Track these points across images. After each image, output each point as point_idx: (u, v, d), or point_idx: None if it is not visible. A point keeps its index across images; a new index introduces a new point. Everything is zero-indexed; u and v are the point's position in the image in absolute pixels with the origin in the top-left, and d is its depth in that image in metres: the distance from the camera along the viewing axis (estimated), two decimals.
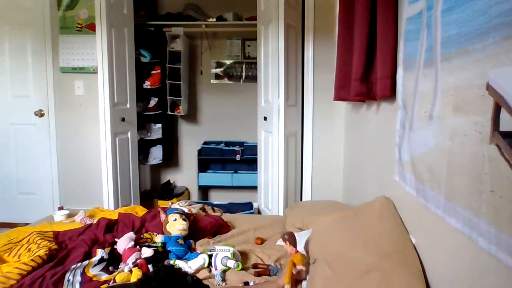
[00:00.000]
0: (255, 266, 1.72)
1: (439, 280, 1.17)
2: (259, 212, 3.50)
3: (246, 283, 1.53)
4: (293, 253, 1.56)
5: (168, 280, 0.90)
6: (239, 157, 3.87)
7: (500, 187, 0.78)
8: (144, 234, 2.02)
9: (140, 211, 2.45)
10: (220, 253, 1.70)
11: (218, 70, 4.15)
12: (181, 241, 1.87)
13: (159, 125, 3.96)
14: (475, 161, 0.88)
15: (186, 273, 0.96)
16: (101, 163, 3.13)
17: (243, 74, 4.12)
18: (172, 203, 2.56)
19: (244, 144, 3.96)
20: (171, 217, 2.00)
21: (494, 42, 0.81)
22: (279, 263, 1.75)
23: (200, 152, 3.99)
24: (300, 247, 1.82)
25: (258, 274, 1.63)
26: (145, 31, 3.80)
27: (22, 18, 3.52)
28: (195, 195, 4.15)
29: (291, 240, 1.58)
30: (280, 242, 1.88)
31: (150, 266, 1.67)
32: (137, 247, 1.81)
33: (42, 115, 3.58)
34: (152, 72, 3.84)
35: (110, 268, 1.68)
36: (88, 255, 1.76)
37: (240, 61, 4.09)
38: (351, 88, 2.01)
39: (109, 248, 1.79)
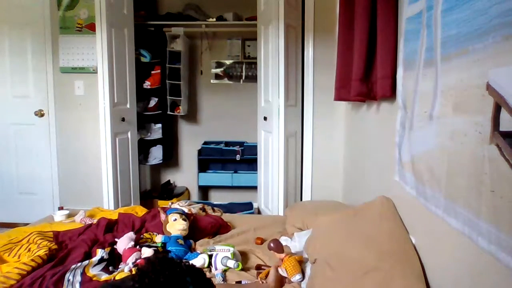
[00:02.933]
0: (258, 267, 1.71)
1: (439, 280, 1.17)
2: (259, 212, 3.50)
3: (239, 282, 1.53)
4: (283, 257, 1.57)
5: (166, 270, 0.90)
6: (239, 157, 3.87)
7: (500, 187, 0.78)
8: (144, 234, 2.02)
9: (140, 211, 2.45)
10: (220, 253, 1.70)
11: (218, 70, 4.15)
12: (181, 241, 1.87)
13: (159, 125, 3.96)
14: (475, 161, 0.88)
15: (180, 260, 0.96)
16: (101, 163, 3.13)
17: (243, 74, 4.12)
18: (172, 203, 2.56)
19: (244, 144, 3.96)
20: (171, 217, 2.00)
21: (494, 42, 0.81)
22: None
23: (200, 152, 3.99)
24: (300, 247, 1.82)
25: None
26: (145, 31, 3.80)
27: (22, 18, 3.52)
28: (195, 195, 4.15)
29: (276, 247, 1.60)
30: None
31: None
32: (137, 247, 1.81)
33: (42, 115, 3.58)
34: (152, 72, 3.84)
35: (110, 268, 1.68)
36: (88, 255, 1.76)
37: (240, 61, 4.09)
38: (351, 88, 2.01)
39: (109, 248, 1.79)
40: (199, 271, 0.98)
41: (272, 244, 1.60)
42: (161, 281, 0.88)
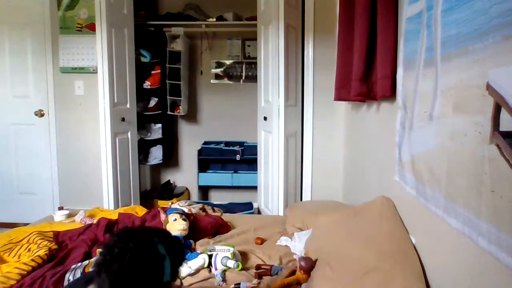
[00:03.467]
0: (258, 267, 1.71)
1: (439, 280, 1.17)
2: (259, 212, 3.50)
3: (238, 285, 1.52)
4: (301, 273, 1.50)
5: (133, 236, 0.92)
6: (239, 157, 3.87)
7: (500, 187, 0.78)
8: None
9: (140, 211, 2.45)
10: (220, 253, 1.70)
11: (218, 70, 4.15)
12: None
13: (159, 125, 3.96)
14: (475, 161, 0.88)
15: (143, 226, 0.99)
16: (101, 163, 3.13)
17: (243, 74, 4.12)
18: (172, 203, 2.56)
19: (244, 144, 3.96)
20: (171, 217, 2.00)
21: (494, 42, 0.81)
22: (280, 262, 1.75)
23: (200, 152, 3.99)
24: (300, 247, 1.82)
25: (259, 275, 1.62)
26: (145, 31, 3.80)
27: (22, 18, 3.52)
28: (195, 195, 4.15)
29: (306, 268, 1.51)
30: (296, 257, 1.80)
31: None
32: None
33: (42, 115, 3.58)
34: (152, 72, 3.84)
35: None
36: (88, 255, 1.76)
37: (240, 61, 4.09)
38: (352, 88, 2.01)
39: None
40: (163, 231, 1.00)
41: (303, 263, 1.51)
42: (131, 246, 0.89)
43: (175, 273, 0.98)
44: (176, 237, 1.01)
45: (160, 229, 1.00)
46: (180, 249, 1.05)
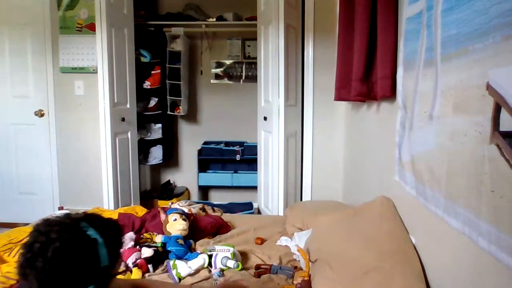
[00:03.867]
0: (257, 267, 1.71)
1: (439, 280, 1.17)
2: (259, 212, 3.50)
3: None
4: None
5: (55, 226, 0.85)
6: (239, 157, 3.87)
7: (500, 187, 0.78)
8: (144, 234, 2.02)
9: (140, 211, 2.45)
10: (220, 253, 1.70)
11: (218, 70, 4.14)
12: (181, 241, 1.87)
13: (159, 125, 3.96)
14: (475, 161, 0.88)
15: (67, 213, 0.93)
16: (101, 163, 3.13)
17: (243, 74, 4.12)
18: (172, 203, 2.56)
19: (244, 144, 3.96)
20: (171, 217, 2.00)
21: (494, 42, 0.81)
22: (280, 262, 1.75)
23: (200, 152, 3.99)
24: (301, 247, 1.82)
25: (259, 275, 1.63)
26: (145, 31, 3.80)
27: (22, 18, 3.52)
28: (195, 195, 4.15)
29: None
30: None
31: (150, 266, 1.68)
32: (137, 247, 1.81)
33: (42, 115, 3.58)
34: (152, 72, 3.84)
35: None
36: None
37: (240, 61, 4.09)
38: (352, 88, 2.01)
39: None
40: (93, 214, 0.93)
41: (299, 286, 1.53)
42: (54, 238, 0.82)
43: (114, 257, 0.92)
44: (109, 219, 0.95)
45: (90, 213, 0.93)
46: (116, 230, 0.97)
